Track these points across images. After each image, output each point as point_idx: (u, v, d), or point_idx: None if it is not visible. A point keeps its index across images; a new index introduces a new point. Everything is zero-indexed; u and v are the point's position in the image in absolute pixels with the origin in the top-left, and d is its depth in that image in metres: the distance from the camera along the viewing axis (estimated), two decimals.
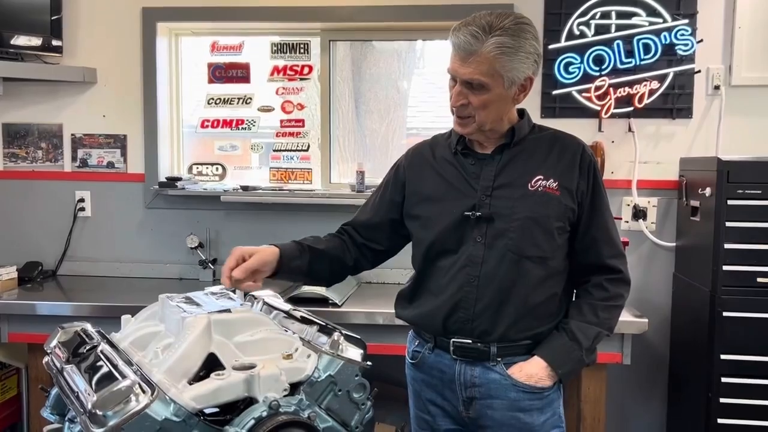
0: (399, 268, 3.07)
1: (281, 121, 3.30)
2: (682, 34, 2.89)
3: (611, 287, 1.69)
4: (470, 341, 1.65)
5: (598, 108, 2.95)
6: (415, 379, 1.80)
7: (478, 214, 1.63)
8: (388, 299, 2.75)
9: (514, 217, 1.62)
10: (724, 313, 2.50)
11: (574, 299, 1.74)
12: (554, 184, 1.63)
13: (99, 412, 1.03)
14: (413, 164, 1.80)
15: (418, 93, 3.40)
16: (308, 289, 2.69)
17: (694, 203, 2.74)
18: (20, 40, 3.06)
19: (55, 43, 3.14)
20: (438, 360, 1.72)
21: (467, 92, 1.59)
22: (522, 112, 1.72)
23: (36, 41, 3.10)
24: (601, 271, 1.70)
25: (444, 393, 1.72)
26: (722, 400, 2.52)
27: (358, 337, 1.34)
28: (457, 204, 1.66)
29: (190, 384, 1.15)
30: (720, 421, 2.52)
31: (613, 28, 2.93)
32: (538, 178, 1.64)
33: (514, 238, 1.62)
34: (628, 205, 3.01)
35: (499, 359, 1.65)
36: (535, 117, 2.81)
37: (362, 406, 1.27)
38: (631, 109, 2.95)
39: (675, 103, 2.97)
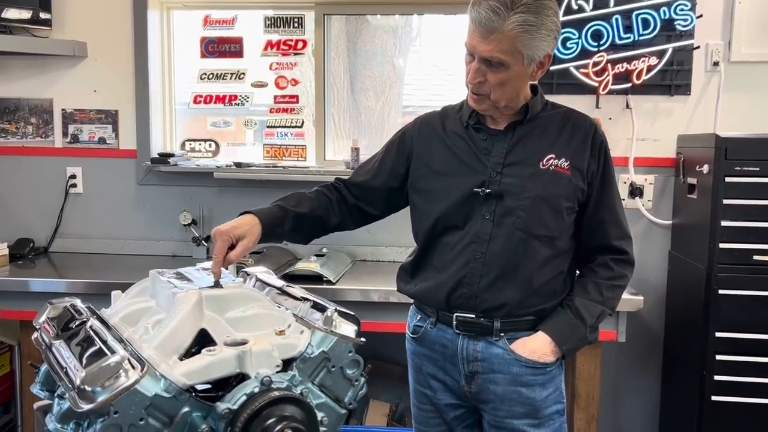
0: (394, 246, 3.06)
1: (275, 97, 3.26)
2: (682, 9, 2.85)
3: (616, 267, 1.69)
4: (473, 316, 1.64)
5: (596, 84, 2.92)
6: (416, 353, 1.79)
7: (487, 191, 1.61)
8: (383, 277, 2.76)
9: (523, 195, 1.60)
10: (720, 291, 2.49)
11: (578, 277, 1.73)
12: (565, 164, 1.61)
13: (88, 388, 1.01)
14: (422, 135, 1.76)
15: (414, 71, 3.36)
16: (302, 266, 2.68)
17: (692, 180, 2.72)
18: (9, 13, 3.01)
19: (43, 16, 3.08)
20: (440, 334, 1.71)
21: (485, 69, 1.54)
22: (535, 88, 1.68)
23: (25, 14, 3.05)
24: (607, 251, 1.69)
25: (446, 367, 1.72)
26: (716, 377, 2.52)
27: (352, 313, 1.32)
28: (466, 180, 1.64)
29: (181, 360, 1.13)
30: (714, 398, 2.53)
31: (611, 3, 2.89)
32: (549, 156, 1.62)
33: (522, 216, 1.60)
34: (625, 182, 2.99)
35: (502, 334, 1.65)
36: None
37: (356, 382, 1.26)
38: (629, 85, 2.92)
39: (673, 80, 2.94)
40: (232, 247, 1.53)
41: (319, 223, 1.76)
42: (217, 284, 1.34)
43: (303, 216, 1.70)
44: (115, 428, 1.01)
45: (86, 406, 1.01)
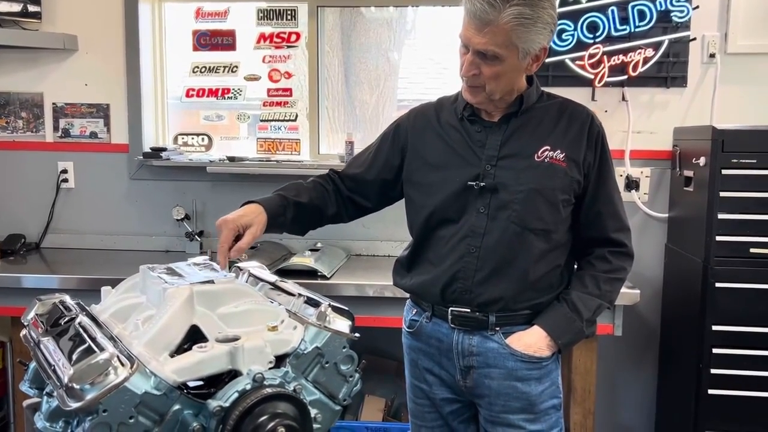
0: (389, 241, 3.04)
1: (268, 90, 3.23)
2: (678, 1, 2.83)
3: (614, 260, 1.67)
4: (469, 310, 1.63)
5: (592, 76, 2.90)
6: (412, 347, 1.78)
7: (482, 184, 1.60)
8: (377, 271, 2.74)
9: (518, 188, 1.59)
10: (717, 284, 2.48)
11: (576, 270, 1.72)
12: (561, 156, 1.60)
13: (76, 386, 1.00)
14: (417, 127, 1.74)
15: (408, 64, 3.34)
16: (296, 261, 2.65)
17: (688, 173, 2.71)
18: (0, 6, 2.97)
19: (33, 9, 3.05)
20: (436, 329, 1.70)
21: (480, 62, 1.53)
22: (530, 79, 1.66)
23: (15, 7, 3.01)
24: (605, 243, 1.68)
25: (441, 362, 1.71)
26: (713, 371, 2.51)
27: (346, 308, 1.30)
28: (460, 172, 1.62)
29: (172, 357, 1.12)
30: (710, 391, 2.52)
31: None
32: (545, 148, 1.60)
33: (518, 210, 1.59)
34: (621, 175, 2.97)
35: (497, 328, 1.63)
36: None
37: (350, 378, 1.24)
38: (625, 77, 2.90)
39: (669, 72, 2.92)
40: (237, 237, 1.53)
41: (317, 212, 1.76)
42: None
43: (303, 205, 1.72)
44: (104, 427, 0.99)
45: (75, 405, 0.99)
